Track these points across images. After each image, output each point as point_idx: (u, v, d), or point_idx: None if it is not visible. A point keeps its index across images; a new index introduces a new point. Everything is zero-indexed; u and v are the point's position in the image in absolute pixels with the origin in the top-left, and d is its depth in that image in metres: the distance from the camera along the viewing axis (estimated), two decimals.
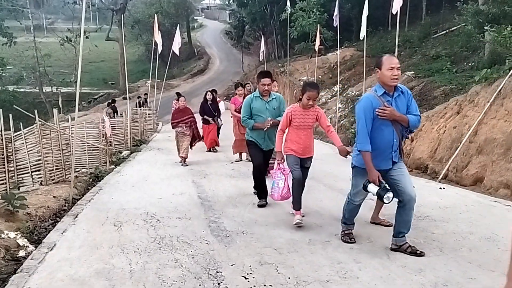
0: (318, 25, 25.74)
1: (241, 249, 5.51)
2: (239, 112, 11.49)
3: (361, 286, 4.43)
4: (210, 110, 14.76)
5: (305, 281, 4.53)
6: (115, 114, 20.51)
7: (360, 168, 5.33)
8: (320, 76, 25.98)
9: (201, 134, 13.67)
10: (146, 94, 27.56)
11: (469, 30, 16.47)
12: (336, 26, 20.44)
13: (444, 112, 11.23)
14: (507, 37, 11.13)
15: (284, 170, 6.56)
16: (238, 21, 49.39)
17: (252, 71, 42.66)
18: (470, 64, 16.76)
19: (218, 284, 4.50)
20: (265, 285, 4.45)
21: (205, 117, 14.68)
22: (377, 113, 5.09)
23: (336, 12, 20.45)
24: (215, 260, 5.13)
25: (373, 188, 5.12)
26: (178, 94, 18.78)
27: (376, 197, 5.42)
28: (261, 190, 7.77)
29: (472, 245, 5.36)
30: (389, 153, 5.25)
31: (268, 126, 7.33)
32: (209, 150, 14.86)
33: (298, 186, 6.45)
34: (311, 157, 6.73)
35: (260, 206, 7.60)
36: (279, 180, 6.59)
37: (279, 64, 35.07)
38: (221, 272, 4.78)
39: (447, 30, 23.59)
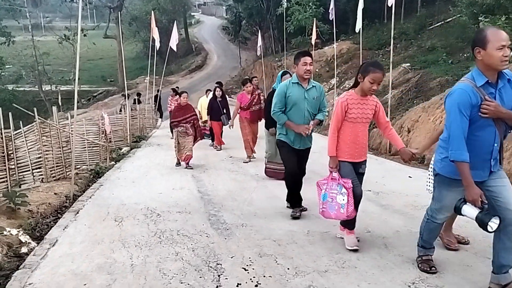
0: (314, 19, 25.73)
1: (241, 242, 5.57)
2: (247, 109, 11.44)
3: (359, 275, 4.49)
4: (218, 107, 13.63)
5: (304, 272, 4.59)
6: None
7: (447, 178, 4.15)
8: (317, 70, 26.00)
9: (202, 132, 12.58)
10: (139, 93, 27.44)
11: (464, 21, 16.58)
12: (332, 19, 20.45)
13: (440, 103, 11.27)
14: (502, 27, 11.17)
15: (345, 182, 5.02)
16: (235, 17, 49.28)
17: (249, 66, 42.64)
18: (465, 55, 16.80)
19: (219, 276, 4.55)
20: (264, 276, 4.51)
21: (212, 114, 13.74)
22: (481, 111, 3.82)
23: (332, 5, 20.45)
24: (215, 253, 5.19)
25: (470, 211, 3.86)
26: (174, 90, 18.46)
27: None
28: (296, 199, 6.64)
29: (469, 233, 5.41)
30: (487, 160, 3.99)
31: (308, 133, 6.29)
32: (219, 148, 14.10)
33: (357, 204, 5.16)
34: (366, 160, 5.38)
35: (295, 218, 6.45)
36: (336, 194, 5.07)
37: (276, 59, 35.09)
38: (221, 264, 4.84)
39: (442, 22, 23.63)
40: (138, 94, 26.82)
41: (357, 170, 5.24)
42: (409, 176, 9.30)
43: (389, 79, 14.46)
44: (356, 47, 25.26)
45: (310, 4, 30.38)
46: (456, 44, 18.68)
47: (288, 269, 4.67)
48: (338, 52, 23.98)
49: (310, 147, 6.66)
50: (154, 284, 4.42)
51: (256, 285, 4.33)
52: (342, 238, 5.40)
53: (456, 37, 19.02)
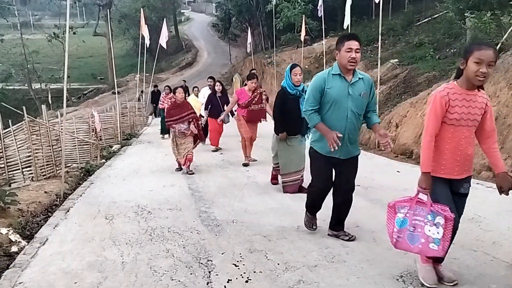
0: (303, 15, 25.83)
1: (231, 238, 5.59)
2: (245, 107, 10.27)
3: (348, 269, 4.52)
4: (218, 103, 12.50)
5: (294, 267, 4.62)
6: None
7: None
8: (306, 66, 26.06)
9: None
10: (156, 85, 27.21)
11: (450, 17, 16.69)
12: (321, 16, 20.52)
13: (428, 98, 11.38)
14: (487, 23, 11.33)
15: (443, 210, 3.78)
16: (224, 14, 49.26)
17: (239, 63, 42.64)
18: (452, 51, 16.91)
19: (209, 272, 4.57)
20: (255, 272, 4.54)
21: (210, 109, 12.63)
22: None
23: (320, 2, 20.52)
24: (206, 249, 5.21)
25: None
26: (169, 88, 17.85)
27: None
28: (315, 206, 5.57)
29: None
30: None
31: (336, 147, 4.74)
32: (216, 149, 13.04)
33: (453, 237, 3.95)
34: (470, 177, 4.13)
35: (310, 228, 5.69)
36: (424, 223, 3.86)
37: (266, 55, 35.13)
38: (211, 261, 4.86)
39: (430, 18, 23.74)
40: (155, 86, 26.71)
41: (457, 190, 4.02)
42: (398, 171, 9.37)
43: (377, 75, 14.56)
44: None
45: (299, 1, 30.44)
46: (443, 40, 18.78)
47: (278, 264, 4.70)
48: (327, 48, 24.07)
49: (356, 156, 5.19)
50: (145, 282, 4.42)
51: (246, 281, 4.35)
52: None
53: (443, 33, 19.13)
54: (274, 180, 8.47)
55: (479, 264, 4.47)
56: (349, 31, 16.76)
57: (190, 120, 9.97)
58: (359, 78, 4.96)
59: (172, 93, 13.94)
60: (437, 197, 3.88)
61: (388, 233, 4.12)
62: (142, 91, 27.33)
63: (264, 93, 10.62)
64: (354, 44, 4.78)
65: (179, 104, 10.05)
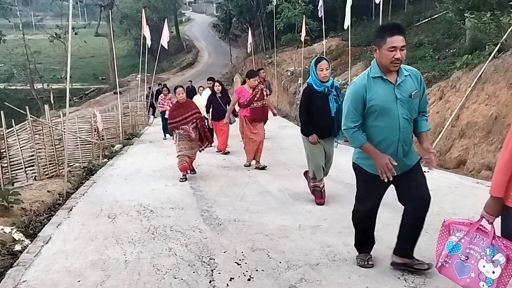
0: (304, 16, 25.83)
1: (233, 236, 5.62)
2: (247, 106, 9.73)
3: (350, 268, 4.55)
4: (220, 104, 11.84)
5: (296, 265, 4.65)
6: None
7: None
8: (306, 66, 25.98)
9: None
10: (165, 85, 26.99)
11: (450, 18, 16.65)
12: (321, 16, 20.55)
13: (428, 97, 11.41)
14: (487, 24, 11.34)
15: (506, 246, 3.11)
16: (225, 14, 49.27)
17: (240, 63, 42.67)
18: (452, 51, 16.90)
19: (212, 270, 4.60)
20: (257, 270, 4.57)
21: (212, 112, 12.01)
22: None
23: (320, 3, 20.54)
24: (208, 248, 5.25)
25: None
26: (165, 86, 17.66)
27: None
28: (366, 240, 4.67)
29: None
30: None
31: (390, 177, 3.99)
32: (224, 153, 12.33)
33: None
34: None
35: (365, 266, 4.56)
36: (480, 256, 3.25)
37: (267, 56, 35.13)
38: (214, 259, 4.89)
39: (429, 18, 23.71)
40: (165, 85, 26.69)
41: None
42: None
43: None
44: (345, 44, 25.43)
45: (299, 1, 30.45)
46: (442, 40, 18.77)
47: (280, 262, 4.73)
48: (327, 48, 24.17)
49: (417, 162, 4.29)
50: (148, 280, 4.45)
51: (248, 279, 4.38)
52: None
53: (443, 33, 19.12)
54: (319, 199, 7.01)
55: None
56: (349, 32, 16.85)
57: (195, 121, 9.10)
58: (406, 76, 4.05)
59: (170, 94, 13.80)
60: (508, 231, 3.15)
61: (436, 254, 3.62)
62: (150, 87, 27.23)
63: (264, 89, 10.14)
64: (398, 41, 3.85)
65: (182, 104, 9.21)
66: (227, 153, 12.26)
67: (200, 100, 13.02)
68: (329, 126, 6.62)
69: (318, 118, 6.61)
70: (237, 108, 10.46)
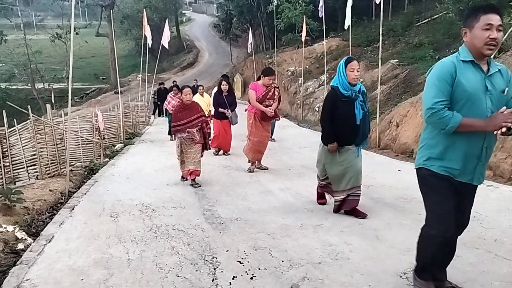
0: (304, 16, 25.80)
1: (236, 235, 5.64)
2: (259, 103, 9.16)
3: (352, 266, 4.57)
4: (225, 103, 11.62)
5: (298, 264, 4.67)
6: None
7: None
8: (307, 66, 26.12)
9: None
10: (177, 86, 26.44)
11: (450, 18, 16.75)
12: (322, 17, 20.54)
13: None
14: None
15: None
16: (225, 14, 49.18)
17: (240, 63, 42.63)
18: (452, 51, 16.81)
19: (214, 269, 4.62)
20: (259, 269, 4.58)
21: (220, 109, 11.71)
22: None
23: (321, 3, 20.54)
24: (211, 247, 5.26)
25: None
26: (178, 87, 16.43)
27: None
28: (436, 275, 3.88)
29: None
30: None
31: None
32: (217, 153, 12.19)
33: None
34: None
35: None
36: None
37: (267, 56, 35.11)
38: (216, 258, 4.91)
39: (429, 18, 23.76)
40: (175, 85, 26.60)
41: None
42: (399, 170, 9.41)
43: (378, 75, 14.64)
44: (345, 44, 25.49)
45: (300, 1, 30.44)
46: (442, 40, 18.81)
47: (283, 261, 4.75)
48: (327, 49, 24.16)
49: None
50: (150, 278, 4.47)
51: (251, 278, 4.40)
52: None
53: (443, 33, 19.17)
54: (321, 200, 6.98)
55: (482, 261, 4.52)
56: (349, 32, 16.87)
57: (199, 124, 8.57)
58: (497, 70, 3.52)
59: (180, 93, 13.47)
60: None
61: None
62: (161, 83, 27.01)
63: (277, 89, 9.57)
64: (495, 19, 3.30)
65: (187, 106, 8.57)
66: (228, 154, 12.19)
67: (203, 101, 12.66)
68: (352, 135, 6.05)
69: (341, 126, 6.03)
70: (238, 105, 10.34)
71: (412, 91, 14.46)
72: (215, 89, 12.50)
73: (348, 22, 15.78)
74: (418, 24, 24.51)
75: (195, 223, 6.19)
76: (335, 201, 6.32)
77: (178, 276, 4.49)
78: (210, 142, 9.07)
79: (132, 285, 4.36)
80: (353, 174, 6.10)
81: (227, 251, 5.12)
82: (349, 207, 6.20)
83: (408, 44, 21.45)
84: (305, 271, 4.50)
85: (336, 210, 6.34)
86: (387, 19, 26.20)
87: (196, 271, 4.60)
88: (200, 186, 8.56)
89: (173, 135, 14.39)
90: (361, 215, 6.07)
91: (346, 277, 4.34)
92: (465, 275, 4.23)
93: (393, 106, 14.03)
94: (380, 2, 13.12)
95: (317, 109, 20.11)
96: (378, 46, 14.69)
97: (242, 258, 4.88)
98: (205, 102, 12.59)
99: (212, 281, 4.36)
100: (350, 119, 5.95)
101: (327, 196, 6.88)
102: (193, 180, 8.69)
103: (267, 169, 9.74)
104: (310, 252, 4.97)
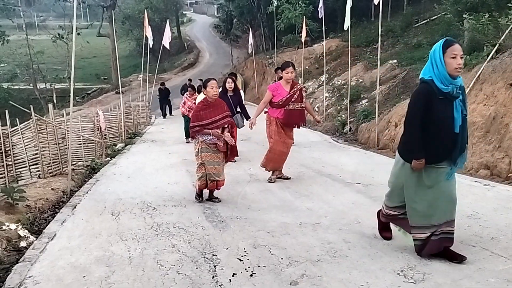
0: (304, 17, 25.84)
1: (236, 233, 5.69)
2: (282, 106, 8.14)
3: (350, 264, 4.62)
4: (230, 104, 9.91)
5: (297, 261, 4.72)
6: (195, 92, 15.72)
7: None
8: (307, 67, 26.20)
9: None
10: (191, 84, 25.53)
11: (449, 19, 16.78)
12: (321, 17, 20.58)
13: None
14: (485, 25, 11.45)
15: None
16: (226, 15, 49.25)
17: (241, 64, 42.70)
18: None
19: (214, 266, 4.68)
20: (259, 266, 4.64)
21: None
22: None
23: (321, 4, 20.58)
24: (211, 244, 5.32)
25: None
26: (193, 86, 15.77)
27: None
28: None
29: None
30: None
31: None
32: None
33: None
34: None
35: None
36: None
37: (267, 56, 35.20)
38: (216, 255, 4.97)
39: (428, 19, 23.79)
40: (190, 84, 26.46)
41: None
42: None
43: (377, 75, 14.69)
44: (344, 45, 25.54)
45: (299, 2, 30.50)
46: None
47: (282, 259, 4.80)
48: (327, 49, 24.25)
49: None
50: (152, 275, 4.53)
51: (251, 275, 4.45)
52: None
53: (441, 34, 19.13)
54: (386, 233, 5.27)
55: (478, 259, 4.56)
56: (349, 33, 16.92)
57: (226, 126, 7.19)
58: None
59: (196, 94, 13.01)
60: None
61: None
62: (162, 83, 26.92)
63: (304, 89, 8.57)
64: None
65: (211, 103, 7.13)
66: (234, 161, 10.80)
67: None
68: (448, 148, 4.41)
69: (433, 135, 4.39)
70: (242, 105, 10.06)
71: (411, 92, 14.45)
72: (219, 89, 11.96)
73: (347, 23, 15.83)
74: (417, 25, 24.57)
75: (195, 221, 6.25)
76: (415, 239, 4.64)
77: (178, 273, 4.54)
78: (231, 150, 7.39)
79: (133, 282, 4.42)
80: (447, 205, 4.57)
81: (227, 248, 5.17)
82: (439, 249, 4.54)
83: (407, 45, 21.52)
84: (304, 268, 4.55)
85: (421, 251, 4.62)
86: (386, 20, 26.23)
87: (197, 268, 4.65)
88: (220, 201, 7.28)
89: (189, 139, 12.78)
90: (458, 258, 4.45)
91: (344, 274, 4.39)
92: (461, 272, 4.27)
93: (391, 106, 14.07)
94: (379, 3, 13.17)
95: (317, 109, 20.13)
96: (377, 47, 14.72)
97: (242, 256, 4.93)
98: None
99: (212, 278, 4.41)
100: (447, 125, 4.35)
101: (392, 226, 5.22)
102: (211, 193, 7.37)
103: (289, 178, 8.62)
104: (309, 250, 5.02)
